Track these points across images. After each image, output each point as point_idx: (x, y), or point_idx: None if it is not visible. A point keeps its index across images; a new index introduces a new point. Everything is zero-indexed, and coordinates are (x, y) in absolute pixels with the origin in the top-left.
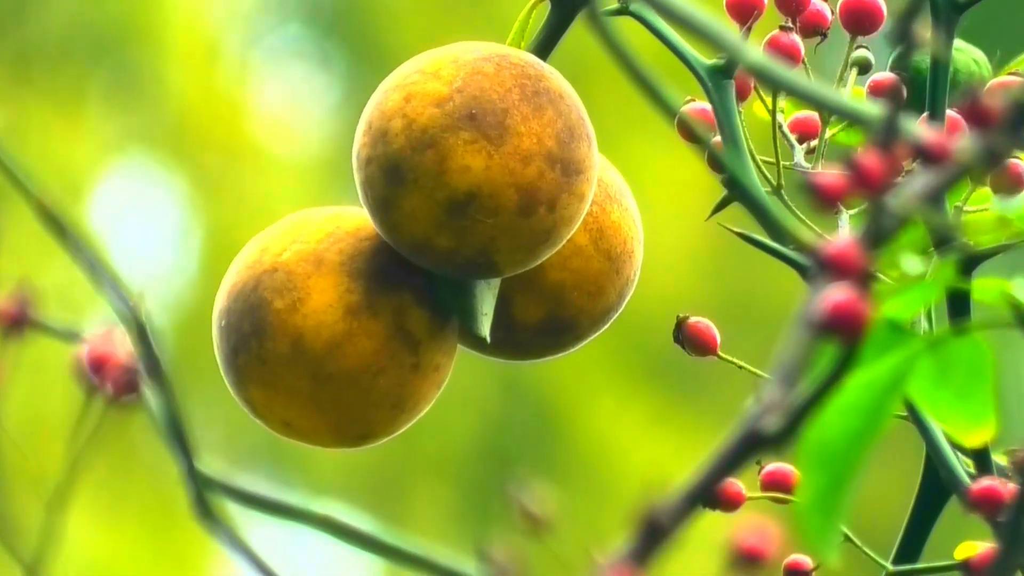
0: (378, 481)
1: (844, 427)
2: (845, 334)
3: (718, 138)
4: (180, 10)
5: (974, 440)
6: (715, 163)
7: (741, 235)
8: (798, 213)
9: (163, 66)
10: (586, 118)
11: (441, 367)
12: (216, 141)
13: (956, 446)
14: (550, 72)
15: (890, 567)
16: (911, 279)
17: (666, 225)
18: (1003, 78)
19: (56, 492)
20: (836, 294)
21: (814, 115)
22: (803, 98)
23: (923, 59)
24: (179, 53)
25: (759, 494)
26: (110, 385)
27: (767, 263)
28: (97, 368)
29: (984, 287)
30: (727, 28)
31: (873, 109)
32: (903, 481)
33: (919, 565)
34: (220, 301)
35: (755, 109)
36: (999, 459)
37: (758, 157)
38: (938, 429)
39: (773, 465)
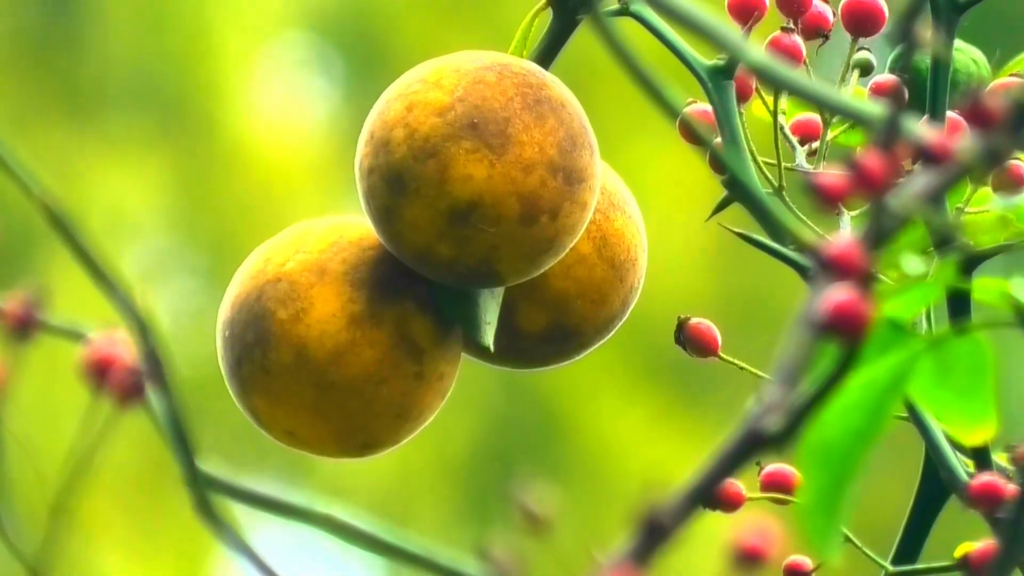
0: (381, 483)
1: (845, 427)
2: (846, 334)
3: (720, 139)
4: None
5: (975, 439)
6: (716, 164)
7: (742, 236)
8: (799, 214)
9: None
10: (588, 127)
11: (445, 376)
12: (216, 144)
13: (956, 445)
14: (552, 81)
15: (890, 567)
16: (912, 279)
17: (668, 226)
18: (1004, 79)
19: (60, 494)
20: (837, 294)
21: (816, 117)
22: (805, 99)
23: (922, 59)
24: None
25: (759, 494)
26: (114, 387)
27: (768, 264)
28: (101, 370)
29: (984, 287)
30: (728, 29)
31: (874, 110)
32: (902, 481)
33: (919, 566)
34: (224, 312)
35: (755, 110)
36: (999, 458)
37: (760, 158)
38: (938, 429)
39: (773, 466)
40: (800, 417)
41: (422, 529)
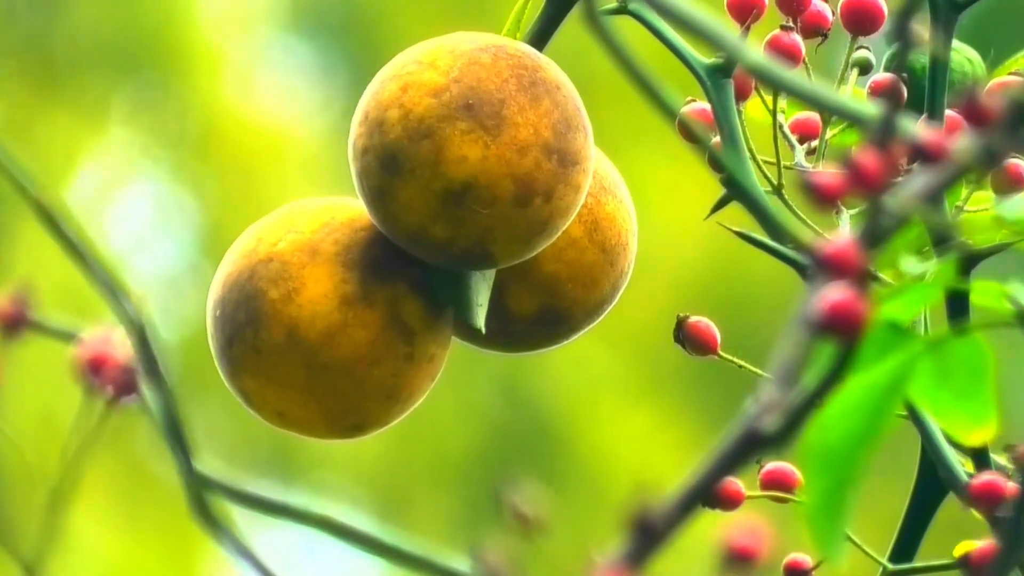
0: (380, 488)
1: (846, 430)
2: (843, 333)
3: (718, 138)
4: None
5: (975, 440)
6: (715, 163)
7: (740, 234)
8: (798, 212)
9: (182, 78)
10: (582, 109)
11: (435, 358)
12: (218, 145)
13: (955, 445)
14: (546, 63)
15: (888, 565)
16: (910, 279)
17: (668, 228)
18: (1002, 78)
19: (56, 492)
20: (834, 293)
21: (815, 116)
22: (803, 98)
23: (917, 58)
24: (196, 65)
25: (759, 493)
26: (109, 386)
27: (767, 263)
28: (95, 369)
29: (983, 289)
30: (726, 28)
31: (870, 109)
32: (899, 479)
33: (918, 564)
34: (215, 291)
35: (751, 110)
36: (998, 458)
37: (758, 157)
38: (937, 429)
39: (772, 464)
40: (798, 417)
41: (422, 536)
